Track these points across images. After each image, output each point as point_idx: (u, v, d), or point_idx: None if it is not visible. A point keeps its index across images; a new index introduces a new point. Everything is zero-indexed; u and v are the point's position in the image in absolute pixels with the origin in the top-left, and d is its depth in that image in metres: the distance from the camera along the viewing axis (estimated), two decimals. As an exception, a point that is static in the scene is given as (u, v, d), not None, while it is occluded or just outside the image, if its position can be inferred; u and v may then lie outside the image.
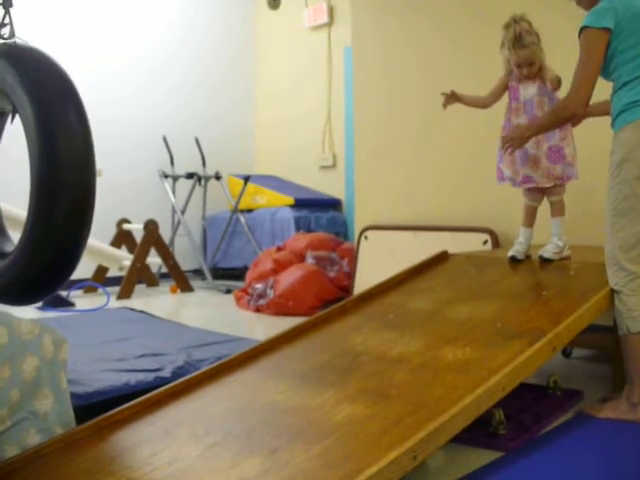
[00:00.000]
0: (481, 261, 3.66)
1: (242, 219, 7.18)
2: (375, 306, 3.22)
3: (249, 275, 5.98)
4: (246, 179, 7.24)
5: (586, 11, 2.80)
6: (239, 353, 2.81)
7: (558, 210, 3.40)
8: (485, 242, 4.95)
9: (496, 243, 4.81)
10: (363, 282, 4.65)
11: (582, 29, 2.72)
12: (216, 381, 2.65)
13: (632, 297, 2.67)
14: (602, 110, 3.07)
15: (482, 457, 2.35)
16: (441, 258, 3.75)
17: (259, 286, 5.63)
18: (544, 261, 3.31)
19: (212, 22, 8.00)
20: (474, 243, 4.79)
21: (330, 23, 7.73)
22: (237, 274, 7.09)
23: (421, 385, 2.34)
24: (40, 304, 5.42)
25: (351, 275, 5.29)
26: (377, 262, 4.83)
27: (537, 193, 3.43)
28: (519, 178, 3.38)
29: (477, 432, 2.42)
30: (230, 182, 7.65)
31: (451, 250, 3.79)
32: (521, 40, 3.18)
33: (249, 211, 7.43)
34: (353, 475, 1.76)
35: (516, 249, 3.44)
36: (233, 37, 8.20)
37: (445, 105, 3.44)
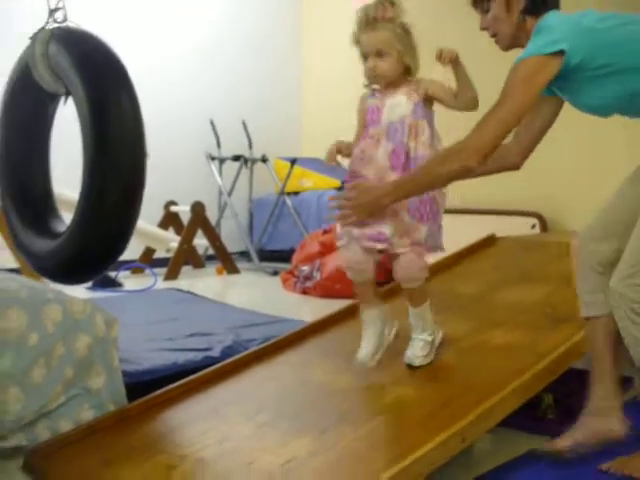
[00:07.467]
0: (530, 245, 3.64)
1: (288, 202, 7.19)
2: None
3: (295, 257, 6.00)
4: (292, 162, 7.23)
5: (504, 51, 2.21)
6: (288, 334, 2.83)
7: (418, 297, 2.44)
8: (533, 226, 4.92)
9: (544, 227, 4.78)
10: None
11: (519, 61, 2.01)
12: (264, 361, 2.68)
13: None
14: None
15: (530, 441, 2.34)
16: (488, 242, 3.74)
17: (305, 268, 5.64)
18: (413, 369, 2.42)
19: (261, 7, 7.99)
20: (521, 227, 4.76)
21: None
22: (283, 256, 7.11)
23: (470, 368, 2.34)
24: (89, 284, 5.49)
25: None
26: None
27: (369, 263, 2.37)
28: (365, 230, 2.32)
29: (525, 416, 2.42)
30: (276, 165, 7.66)
31: (498, 234, 3.77)
32: (374, 23, 2.32)
33: (295, 194, 7.43)
34: (401, 457, 1.78)
35: (362, 353, 2.39)
36: (280, 22, 8.18)
37: (330, 161, 2.50)
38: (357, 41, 2.36)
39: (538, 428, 2.43)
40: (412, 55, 2.34)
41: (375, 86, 2.42)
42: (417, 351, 2.41)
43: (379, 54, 2.31)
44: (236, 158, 7.38)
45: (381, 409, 2.14)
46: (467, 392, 2.14)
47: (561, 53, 1.95)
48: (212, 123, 7.27)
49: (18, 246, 3.16)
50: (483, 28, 2.20)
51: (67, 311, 2.42)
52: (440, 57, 2.24)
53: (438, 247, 2.41)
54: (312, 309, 4.89)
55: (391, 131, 2.33)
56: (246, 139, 7.43)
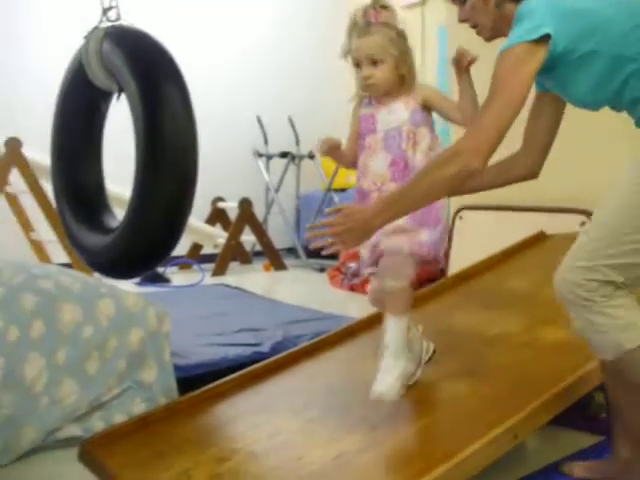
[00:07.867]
0: (580, 242, 3.59)
1: (335, 198, 7.19)
2: (472, 286, 3.20)
3: (343, 254, 5.99)
4: (339, 158, 7.23)
5: (487, 41, 2.06)
6: (337, 330, 2.84)
7: (398, 300, 2.17)
8: (582, 223, 4.85)
9: (594, 224, 4.71)
10: (458, 262, 4.62)
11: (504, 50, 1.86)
12: (314, 357, 2.68)
13: (609, 302, 1.81)
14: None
15: (580, 440, 2.32)
16: (538, 239, 3.71)
17: (353, 265, 5.64)
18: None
19: (316, 8, 7.98)
20: (570, 224, 4.70)
21: (423, 2, 7.63)
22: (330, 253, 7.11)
23: (522, 364, 2.32)
24: (137, 279, 5.55)
25: (446, 255, 5.26)
26: (472, 242, 4.79)
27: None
28: (378, 250, 2.23)
29: (576, 415, 2.39)
30: (324, 161, 7.66)
31: (547, 231, 3.74)
32: (366, 27, 2.15)
33: (342, 190, 7.43)
34: (453, 453, 1.77)
35: None
36: (324, 17, 8.17)
37: (324, 153, 2.29)
38: (348, 50, 2.19)
39: (590, 427, 2.41)
40: (408, 63, 2.20)
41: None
42: (389, 379, 2.09)
43: (373, 61, 2.16)
44: (283, 155, 7.41)
45: (433, 405, 2.14)
46: (520, 388, 2.12)
47: (546, 37, 1.79)
48: (259, 120, 7.30)
49: (71, 241, 3.21)
50: (462, 20, 2.04)
51: (120, 305, 2.46)
52: (459, 62, 2.10)
53: (436, 259, 2.21)
54: (360, 306, 4.87)
55: (389, 140, 2.18)
56: (293, 136, 7.45)
